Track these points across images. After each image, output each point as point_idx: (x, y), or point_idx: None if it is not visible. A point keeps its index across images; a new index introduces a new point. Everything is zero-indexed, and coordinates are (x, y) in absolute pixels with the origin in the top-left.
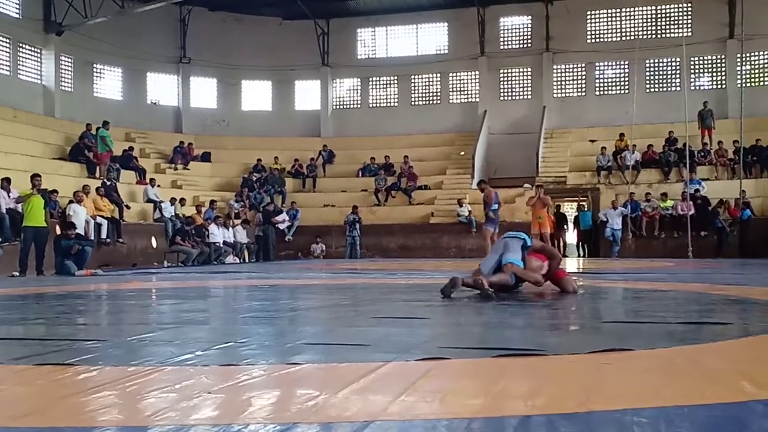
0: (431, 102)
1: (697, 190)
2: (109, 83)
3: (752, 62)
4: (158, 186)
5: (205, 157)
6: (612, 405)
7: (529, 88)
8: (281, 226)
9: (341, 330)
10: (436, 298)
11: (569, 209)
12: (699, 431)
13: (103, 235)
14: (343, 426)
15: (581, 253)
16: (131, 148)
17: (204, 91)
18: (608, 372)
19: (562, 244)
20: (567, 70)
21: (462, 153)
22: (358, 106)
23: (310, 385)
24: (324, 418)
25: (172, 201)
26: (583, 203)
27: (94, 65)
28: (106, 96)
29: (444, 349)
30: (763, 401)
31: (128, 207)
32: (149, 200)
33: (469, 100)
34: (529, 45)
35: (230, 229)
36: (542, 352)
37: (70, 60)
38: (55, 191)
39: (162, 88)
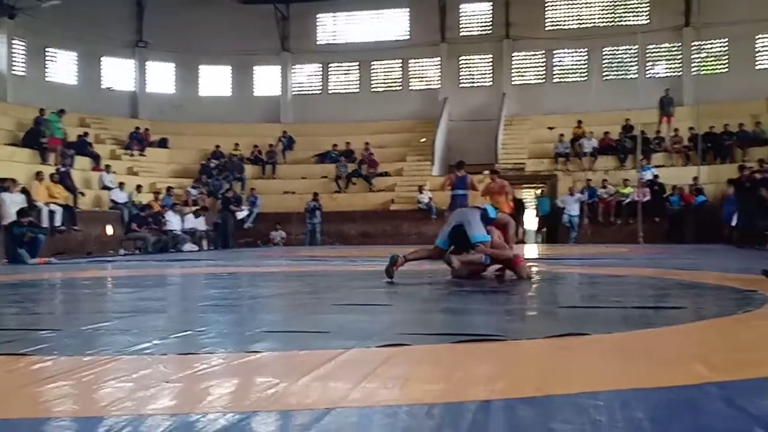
0: (392, 89)
1: (656, 176)
2: (63, 67)
3: (707, 50)
4: (114, 172)
5: (162, 143)
6: (570, 389)
7: (489, 75)
8: (239, 215)
9: (301, 317)
10: (397, 284)
11: (528, 196)
12: (655, 414)
13: (57, 223)
14: (303, 413)
15: (539, 239)
16: (86, 134)
17: (161, 76)
18: (566, 356)
19: (521, 230)
20: (526, 57)
21: (422, 140)
22: (319, 92)
23: (270, 373)
24: (284, 405)
25: (122, 186)
26: (542, 190)
27: (48, 49)
28: (60, 81)
29: (404, 336)
30: (717, 383)
31: (83, 194)
32: (104, 187)
33: (430, 86)
34: (490, 32)
35: (183, 217)
36: (501, 337)
37: (23, 44)
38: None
39: (118, 72)
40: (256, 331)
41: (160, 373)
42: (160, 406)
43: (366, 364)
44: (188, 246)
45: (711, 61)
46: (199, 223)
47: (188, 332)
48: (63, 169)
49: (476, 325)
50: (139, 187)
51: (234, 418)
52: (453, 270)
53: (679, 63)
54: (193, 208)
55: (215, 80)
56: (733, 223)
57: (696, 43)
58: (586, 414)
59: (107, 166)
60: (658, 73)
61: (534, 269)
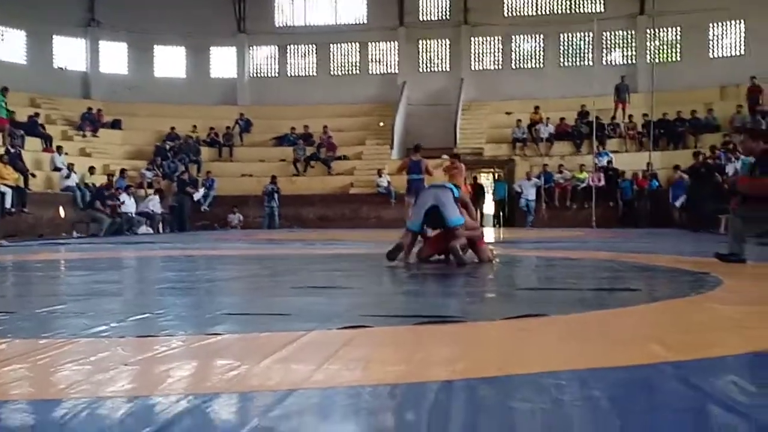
0: (350, 72)
1: (610, 161)
2: (12, 46)
3: (661, 38)
4: (66, 154)
5: (116, 125)
6: (530, 369)
7: (448, 60)
8: (196, 196)
9: (261, 300)
10: (357, 267)
11: (486, 180)
12: (612, 392)
13: (8, 205)
14: (266, 395)
15: (496, 223)
16: (37, 114)
17: (114, 56)
18: (525, 337)
19: (479, 214)
20: (484, 43)
21: (381, 124)
22: (276, 74)
23: (231, 356)
24: (246, 387)
25: (70, 167)
26: (499, 174)
27: None
28: (8, 60)
29: (366, 318)
30: (672, 363)
31: (34, 175)
32: (56, 168)
33: (389, 71)
34: (448, 17)
35: (138, 199)
36: (461, 319)
37: None
38: None
39: (69, 52)
40: (216, 314)
41: (118, 355)
42: (119, 388)
43: (328, 345)
44: (143, 229)
45: (665, 49)
46: (155, 206)
47: (146, 315)
48: (13, 150)
49: (437, 307)
50: (92, 169)
51: (196, 401)
52: (417, 252)
53: (634, 51)
54: (149, 191)
55: (170, 61)
56: (677, 204)
57: (650, 31)
58: (546, 393)
59: (59, 148)
60: (613, 61)
61: (493, 252)
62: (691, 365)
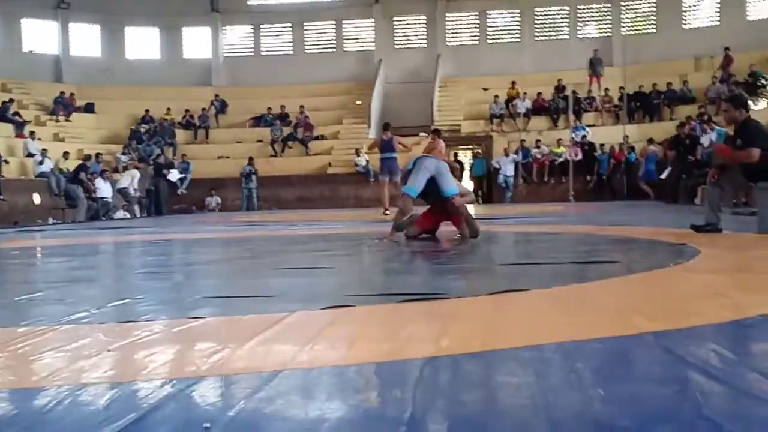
0: (326, 50)
1: (584, 137)
2: None
3: (636, 11)
4: (39, 139)
5: (89, 108)
6: (514, 343)
7: (424, 37)
8: (172, 178)
9: (243, 282)
10: (338, 247)
11: (464, 157)
12: (595, 363)
13: None
14: (252, 377)
15: (475, 200)
16: (11, 100)
17: (86, 39)
18: (508, 312)
19: None
20: (460, 18)
21: (358, 102)
22: (251, 54)
23: (215, 339)
24: (232, 370)
25: (44, 153)
26: (477, 151)
27: None
28: None
29: (349, 297)
30: (653, 333)
31: (7, 162)
32: (29, 154)
33: (364, 48)
34: None
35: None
36: (444, 295)
37: None
38: None
39: (39, 35)
40: (197, 298)
41: (100, 341)
42: (103, 374)
43: (312, 326)
44: (120, 213)
45: (639, 21)
46: (134, 182)
47: (126, 300)
48: None
49: (419, 284)
50: (66, 154)
51: (181, 385)
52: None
53: (609, 24)
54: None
55: (143, 43)
56: (663, 176)
57: (624, 3)
58: (531, 366)
59: (32, 133)
60: (588, 34)
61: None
62: (673, 335)
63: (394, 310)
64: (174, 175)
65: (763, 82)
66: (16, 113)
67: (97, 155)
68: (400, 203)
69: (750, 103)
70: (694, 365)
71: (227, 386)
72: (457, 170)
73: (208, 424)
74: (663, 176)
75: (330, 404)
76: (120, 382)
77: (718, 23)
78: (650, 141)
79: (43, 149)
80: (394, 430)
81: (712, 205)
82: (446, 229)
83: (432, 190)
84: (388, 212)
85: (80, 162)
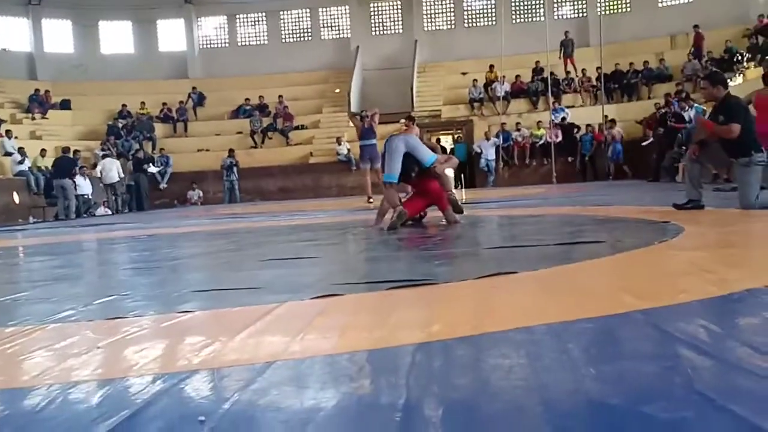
0: (302, 39)
1: (563, 119)
2: None
3: None
4: (15, 137)
5: (65, 105)
6: (504, 325)
7: (400, 22)
8: (152, 170)
9: (229, 275)
10: (323, 236)
11: (446, 143)
12: (585, 343)
13: None
14: (244, 369)
15: (457, 185)
16: None
17: (58, 35)
18: (496, 295)
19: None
20: (436, 2)
21: (337, 90)
22: (227, 45)
23: (205, 332)
24: (224, 363)
25: (21, 151)
26: (458, 136)
27: None
28: None
29: (337, 286)
30: (641, 310)
31: None
32: (6, 153)
33: (341, 35)
34: None
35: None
36: (432, 281)
37: None
38: None
39: (11, 32)
40: (184, 292)
41: (88, 339)
42: (94, 372)
43: (301, 316)
44: (101, 210)
45: (614, 0)
46: (119, 172)
47: (113, 297)
48: None
49: (406, 271)
50: (43, 152)
51: (173, 379)
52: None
53: (584, 4)
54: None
55: (117, 37)
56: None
57: None
58: (522, 348)
59: (7, 132)
60: (564, 15)
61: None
62: (662, 312)
63: (382, 298)
64: (153, 168)
65: (739, 57)
66: None
67: (75, 152)
68: (385, 195)
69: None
70: (683, 341)
71: (220, 379)
72: (437, 149)
73: (203, 418)
74: (644, 144)
75: (324, 393)
76: (111, 379)
77: (692, 0)
78: (613, 122)
79: (21, 148)
80: (390, 416)
81: (693, 181)
82: (432, 215)
83: (411, 167)
84: (371, 200)
85: (65, 156)
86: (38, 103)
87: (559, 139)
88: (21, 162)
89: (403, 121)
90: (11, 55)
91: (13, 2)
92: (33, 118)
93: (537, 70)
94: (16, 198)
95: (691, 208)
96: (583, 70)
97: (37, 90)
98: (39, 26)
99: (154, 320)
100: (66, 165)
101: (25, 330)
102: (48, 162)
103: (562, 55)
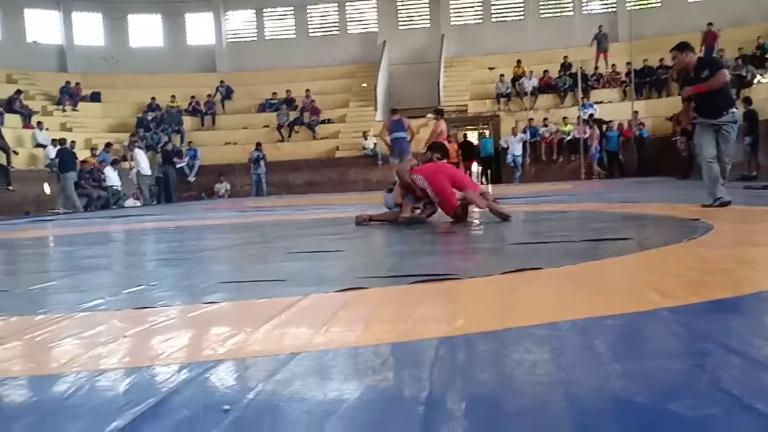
0: (329, 33)
1: (591, 115)
2: None
3: None
4: (47, 129)
5: (95, 97)
6: (528, 321)
7: (428, 17)
8: (179, 164)
9: (255, 267)
10: (348, 230)
11: (472, 138)
12: (611, 340)
13: None
14: (269, 360)
15: (484, 180)
16: (19, 92)
17: (89, 28)
18: (521, 290)
19: (468, 173)
20: None
21: (364, 85)
22: (254, 39)
23: (230, 323)
24: (249, 353)
25: (54, 143)
26: (485, 131)
27: None
28: None
29: (361, 279)
30: (668, 308)
31: (16, 153)
32: (38, 145)
33: (368, 30)
34: None
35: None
36: (457, 276)
37: None
38: None
39: (43, 25)
40: (211, 283)
41: (116, 328)
42: (121, 361)
43: (326, 308)
44: (130, 202)
45: None
46: (145, 168)
47: (141, 287)
48: None
49: (431, 265)
50: (72, 143)
51: (199, 369)
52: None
53: None
54: (132, 163)
55: (146, 30)
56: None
57: None
58: (546, 344)
59: (39, 123)
60: (593, 10)
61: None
62: (688, 309)
63: (407, 292)
64: (182, 162)
65: None
66: (22, 104)
67: (107, 144)
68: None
69: (758, 76)
70: (710, 339)
71: (244, 369)
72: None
73: (227, 407)
74: (674, 138)
75: (347, 385)
76: (138, 368)
77: None
78: (595, 121)
79: (54, 140)
80: (413, 409)
81: (712, 178)
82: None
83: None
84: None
85: (65, 148)
86: (69, 96)
87: (587, 135)
88: (51, 153)
89: (429, 116)
90: (42, 48)
91: None
92: (64, 110)
93: (565, 66)
94: (46, 189)
95: (718, 206)
96: (612, 65)
97: (67, 82)
98: (69, 19)
99: (181, 310)
100: (68, 158)
101: (54, 318)
102: (78, 154)
103: (596, 49)
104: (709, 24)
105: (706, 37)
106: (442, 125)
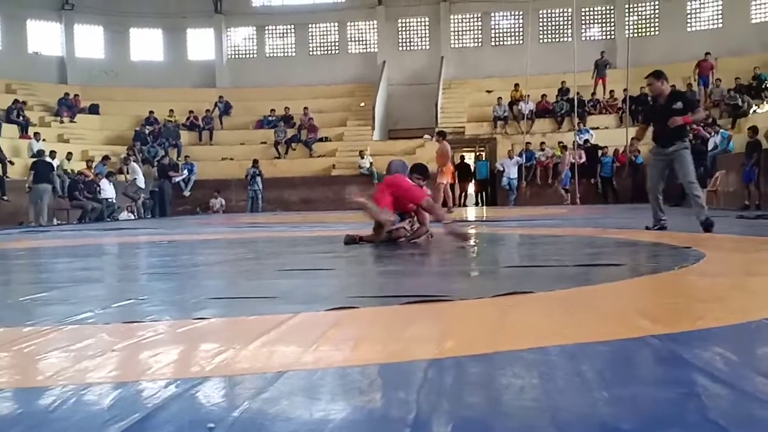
0: (330, 52)
1: (586, 141)
2: None
3: (639, 13)
4: (43, 140)
5: (93, 109)
6: (518, 345)
7: (427, 39)
8: (176, 179)
9: (247, 283)
10: (341, 249)
11: (469, 159)
12: (600, 366)
13: None
14: (256, 378)
15: (479, 202)
16: (16, 102)
17: (90, 40)
18: (512, 314)
19: (464, 195)
20: (464, 20)
21: (362, 104)
22: (255, 55)
23: (219, 339)
24: (236, 371)
25: (52, 154)
26: (480, 153)
27: None
28: None
29: (352, 299)
30: (657, 336)
31: (12, 163)
32: (34, 155)
33: (368, 50)
34: None
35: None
36: (448, 297)
37: None
38: None
39: (44, 36)
40: (201, 298)
41: (104, 341)
42: (107, 374)
43: (316, 327)
44: (124, 215)
45: (643, 23)
46: (140, 181)
47: (130, 301)
48: None
49: (422, 286)
50: (69, 155)
51: (185, 385)
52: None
53: (613, 25)
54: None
55: (147, 44)
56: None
57: (628, 5)
58: (535, 368)
59: (36, 134)
60: (592, 36)
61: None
62: (678, 338)
63: (397, 312)
64: (177, 178)
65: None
66: (21, 114)
67: (105, 157)
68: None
69: (754, 106)
70: (699, 368)
71: (231, 387)
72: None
73: (212, 425)
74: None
75: (334, 405)
76: (124, 382)
77: (722, 26)
78: (565, 148)
79: (52, 151)
80: (399, 431)
81: (653, 204)
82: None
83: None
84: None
85: (41, 159)
86: (67, 107)
87: (583, 160)
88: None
89: (427, 137)
90: (43, 59)
91: (47, 7)
92: (61, 122)
93: (563, 90)
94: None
95: (658, 230)
96: (611, 91)
97: (66, 94)
98: (71, 31)
99: (170, 325)
100: (44, 170)
101: (42, 330)
102: (74, 165)
103: (594, 75)
104: (707, 54)
105: (702, 67)
106: (447, 147)
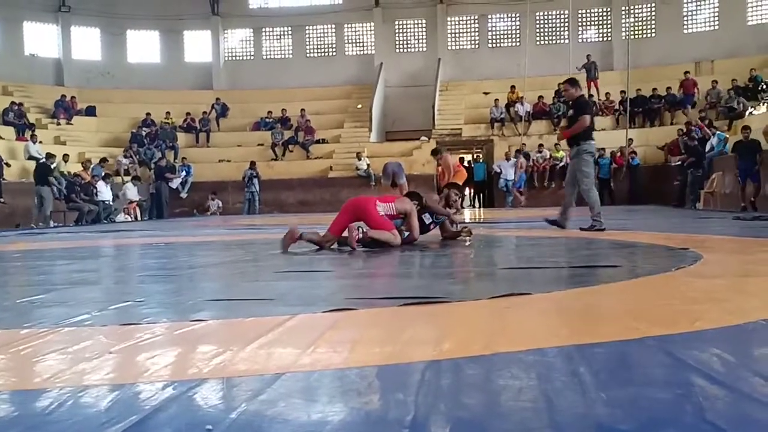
0: (326, 54)
1: None
2: None
3: (636, 15)
4: (40, 142)
5: (90, 111)
6: (515, 346)
7: (424, 40)
8: (173, 185)
9: (244, 285)
10: (339, 251)
11: (466, 163)
12: (597, 367)
13: None
14: (254, 380)
15: (476, 204)
16: (14, 104)
17: (86, 42)
18: (509, 315)
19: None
20: (461, 22)
21: (359, 106)
22: (252, 57)
23: (216, 341)
24: (233, 372)
25: (48, 157)
26: (477, 155)
27: None
28: None
29: (350, 300)
30: (654, 337)
31: (8, 165)
32: (31, 157)
33: (365, 52)
34: None
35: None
36: (445, 299)
37: None
38: None
39: (41, 38)
40: (198, 300)
41: (101, 344)
42: (104, 377)
43: (313, 329)
44: (121, 217)
45: (640, 25)
46: (132, 194)
47: (128, 303)
48: None
49: (420, 288)
50: (65, 157)
51: (182, 387)
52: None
53: (609, 27)
54: (126, 179)
55: (143, 46)
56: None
57: (625, 7)
58: (533, 370)
59: (33, 136)
60: (589, 38)
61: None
62: (675, 339)
63: (395, 314)
64: (175, 182)
65: (764, 86)
66: (18, 116)
67: (102, 159)
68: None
69: (750, 108)
70: (696, 369)
71: (229, 389)
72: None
73: (210, 427)
74: (674, 164)
75: (332, 407)
76: (122, 384)
77: (718, 27)
78: (518, 151)
79: (48, 153)
80: None
81: (564, 205)
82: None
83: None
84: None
85: (41, 162)
86: (64, 109)
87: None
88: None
89: (423, 138)
90: (40, 61)
91: (44, 9)
92: (58, 124)
93: (560, 92)
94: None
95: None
96: (606, 93)
97: (63, 96)
98: (68, 33)
99: (167, 328)
100: (43, 172)
101: (39, 333)
102: (70, 167)
103: (586, 78)
104: (686, 72)
105: (685, 86)
106: (449, 158)
